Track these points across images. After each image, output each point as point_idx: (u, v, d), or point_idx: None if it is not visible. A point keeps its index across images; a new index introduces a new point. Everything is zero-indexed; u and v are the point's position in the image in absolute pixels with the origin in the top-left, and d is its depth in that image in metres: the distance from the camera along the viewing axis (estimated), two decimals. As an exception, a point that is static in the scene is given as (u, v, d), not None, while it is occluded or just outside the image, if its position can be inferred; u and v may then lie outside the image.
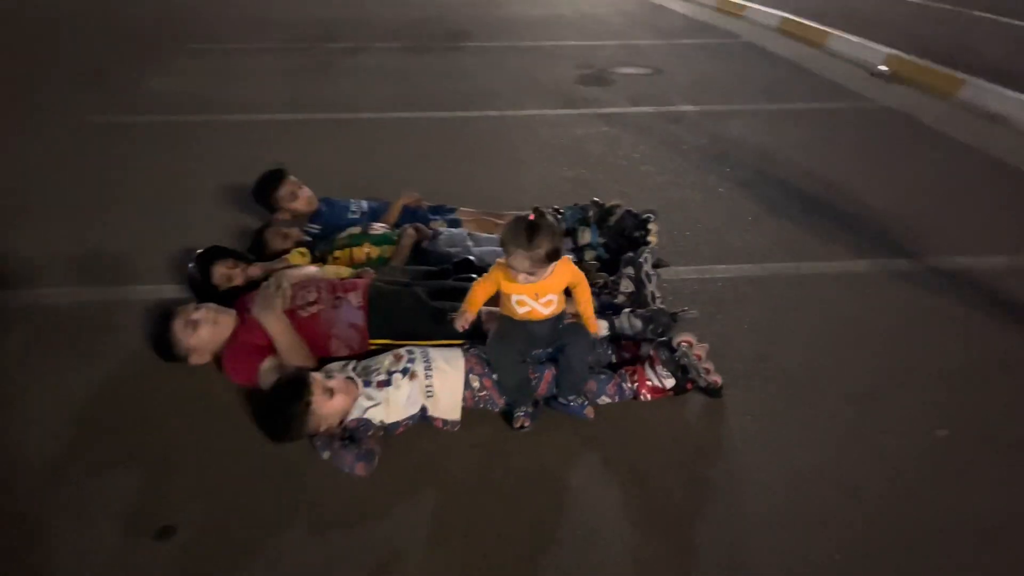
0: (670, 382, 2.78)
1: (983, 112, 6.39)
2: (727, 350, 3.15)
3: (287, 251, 3.54)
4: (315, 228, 3.94)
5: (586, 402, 2.72)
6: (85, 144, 5.68)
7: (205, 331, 2.90)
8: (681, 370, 2.77)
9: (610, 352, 2.95)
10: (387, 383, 2.64)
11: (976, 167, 5.34)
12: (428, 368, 2.70)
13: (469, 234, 3.83)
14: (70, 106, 6.52)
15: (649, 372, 2.80)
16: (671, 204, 4.61)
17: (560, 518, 2.38)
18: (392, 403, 2.62)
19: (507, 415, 2.75)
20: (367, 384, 2.65)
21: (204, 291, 3.25)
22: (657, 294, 3.27)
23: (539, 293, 2.61)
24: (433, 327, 2.94)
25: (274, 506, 2.42)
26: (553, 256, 2.48)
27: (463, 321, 2.60)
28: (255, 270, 3.30)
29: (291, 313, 2.92)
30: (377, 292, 3.03)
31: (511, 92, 7.08)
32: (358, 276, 3.23)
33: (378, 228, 3.73)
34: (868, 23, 9.41)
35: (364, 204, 4.15)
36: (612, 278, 3.35)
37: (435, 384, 2.68)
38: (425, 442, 2.67)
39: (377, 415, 2.60)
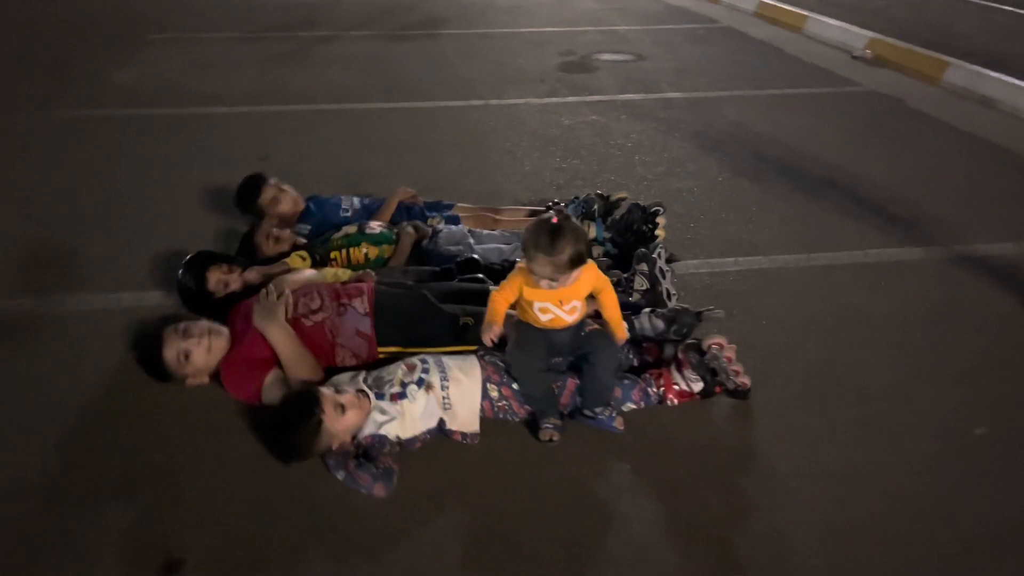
0: (698, 386, 2.66)
1: (971, 95, 6.36)
2: (744, 347, 2.99)
3: (281, 255, 3.35)
4: (305, 229, 3.76)
5: (614, 413, 2.58)
6: (51, 141, 5.39)
7: (199, 359, 2.72)
8: (710, 373, 2.65)
9: (631, 356, 2.81)
10: (402, 395, 2.49)
11: (971, 151, 5.29)
12: (444, 378, 2.55)
13: (469, 231, 3.68)
14: (33, 101, 6.19)
15: (676, 376, 2.67)
16: (671, 194, 4.49)
17: (595, 536, 2.25)
18: (408, 417, 2.47)
19: (529, 425, 2.62)
20: (380, 397, 2.49)
21: (197, 300, 3.07)
22: (672, 291, 3.16)
23: (563, 300, 2.47)
24: (444, 333, 2.79)
25: (289, 532, 2.25)
26: (577, 261, 2.34)
27: (492, 335, 2.46)
28: (252, 275, 3.11)
29: (295, 322, 2.74)
30: (383, 297, 2.86)
31: (494, 81, 6.90)
32: (358, 279, 3.06)
33: (375, 227, 3.55)
34: (843, 6, 9.35)
35: (356, 201, 3.97)
36: (625, 275, 3.22)
37: (452, 395, 2.53)
38: (443, 457, 2.52)
39: (392, 430, 2.45)
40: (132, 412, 2.74)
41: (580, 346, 2.58)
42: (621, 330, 2.55)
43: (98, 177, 4.78)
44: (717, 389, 2.68)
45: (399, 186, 4.03)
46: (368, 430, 2.43)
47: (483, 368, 2.62)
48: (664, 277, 3.17)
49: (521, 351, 2.52)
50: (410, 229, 3.52)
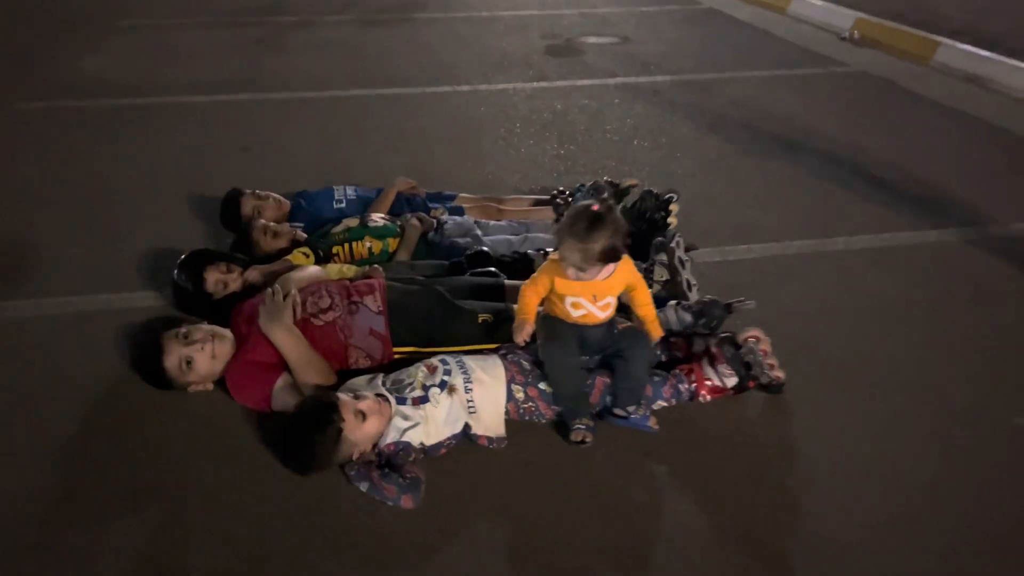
0: (732, 381, 2.54)
1: (963, 74, 6.30)
2: (769, 338, 2.92)
3: (282, 251, 3.17)
4: (298, 227, 3.55)
5: (648, 413, 2.45)
6: (17, 134, 5.12)
7: (203, 366, 2.54)
8: (744, 367, 2.53)
9: (659, 351, 2.68)
10: (424, 399, 2.33)
11: (968, 131, 5.23)
12: (467, 380, 2.40)
13: (475, 221, 3.52)
14: (-4, 92, 5.91)
15: (709, 370, 2.55)
16: (673, 180, 4.32)
17: (642, 545, 2.13)
18: (432, 422, 2.32)
19: (557, 426, 2.48)
20: (401, 401, 2.33)
21: (196, 302, 2.88)
22: (693, 282, 3.03)
23: (597, 295, 2.34)
24: (463, 331, 2.64)
25: (305, 550, 2.09)
26: (610, 255, 2.23)
27: (524, 335, 2.32)
28: (253, 274, 2.92)
29: (303, 323, 2.56)
30: (396, 294, 2.70)
31: (479, 65, 6.71)
32: (365, 275, 2.89)
33: (378, 219, 3.38)
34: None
35: (350, 191, 3.78)
36: (645, 266, 3.08)
37: (476, 398, 2.38)
38: (469, 463, 2.37)
39: (416, 437, 2.29)
40: (132, 422, 2.55)
41: (612, 343, 2.45)
42: (656, 328, 2.44)
43: (70, 171, 4.53)
44: (751, 384, 2.57)
45: (391, 177, 3.85)
46: (390, 437, 2.27)
47: (507, 368, 2.47)
48: (684, 267, 3.04)
49: (555, 346, 2.38)
50: (415, 221, 3.35)
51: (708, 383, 2.54)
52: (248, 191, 3.59)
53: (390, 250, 3.27)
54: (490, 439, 2.40)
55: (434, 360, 2.47)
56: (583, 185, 3.81)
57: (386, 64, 6.75)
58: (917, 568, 2.05)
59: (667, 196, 3.44)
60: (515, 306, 2.61)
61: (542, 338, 2.43)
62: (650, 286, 3.02)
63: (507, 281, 2.93)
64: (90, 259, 3.55)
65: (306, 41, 7.45)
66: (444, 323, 2.64)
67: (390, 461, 2.25)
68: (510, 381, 2.45)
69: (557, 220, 3.63)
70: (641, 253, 3.21)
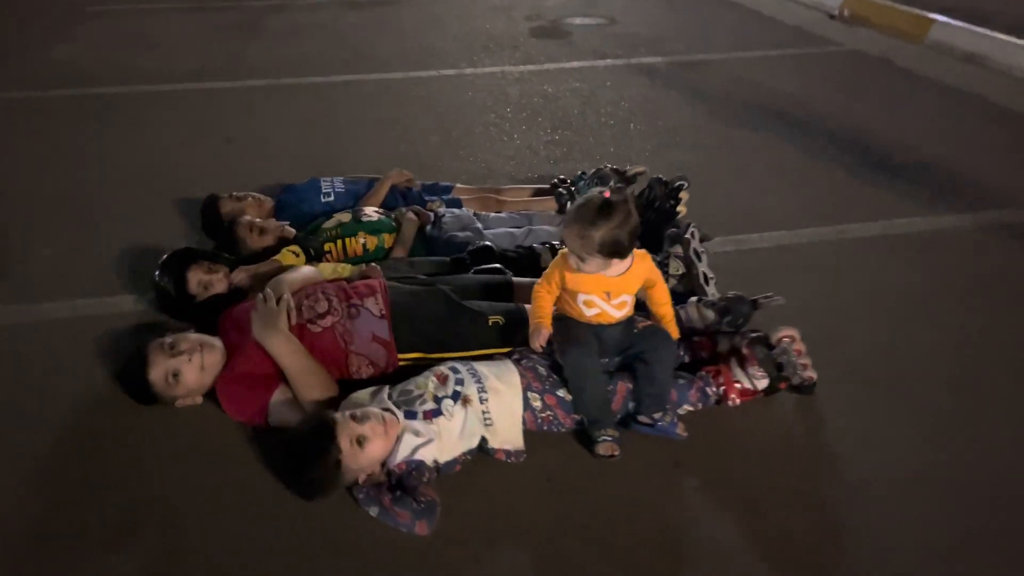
0: (763, 383, 2.37)
1: (959, 53, 6.16)
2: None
3: (270, 249, 2.95)
4: (286, 223, 3.33)
5: (675, 419, 2.28)
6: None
7: (191, 378, 2.34)
8: (776, 368, 2.36)
9: (682, 352, 2.51)
10: (437, 412, 2.15)
11: (969, 110, 5.10)
12: (482, 389, 2.21)
13: (474, 214, 3.33)
14: (-39, 83, 5.60)
15: (738, 372, 2.38)
16: (676, 167, 4.12)
17: (681, 568, 1.96)
18: (446, 437, 2.13)
19: (577, 436, 2.30)
20: (411, 416, 2.14)
21: (179, 305, 2.68)
22: (711, 275, 2.87)
23: (611, 293, 2.18)
24: (472, 335, 2.45)
25: (318, 582, 1.92)
26: (612, 249, 2.09)
27: (541, 339, 2.15)
28: (240, 275, 2.71)
29: (299, 329, 2.36)
30: (398, 295, 2.50)
31: (464, 48, 6.48)
32: (362, 275, 2.69)
33: (371, 213, 3.17)
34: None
35: (338, 183, 3.56)
36: (658, 259, 2.90)
37: (492, 408, 2.20)
38: (486, 480, 2.19)
39: (430, 454, 2.10)
40: (118, 441, 2.34)
41: (631, 344, 2.28)
42: (674, 329, 2.30)
43: (41, 166, 4.27)
44: (782, 385, 2.40)
45: (382, 167, 3.65)
46: (401, 456, 2.08)
47: (522, 375, 2.29)
48: (700, 259, 2.88)
49: (575, 349, 2.20)
50: (411, 215, 3.15)
51: (737, 385, 2.38)
52: (225, 194, 3.36)
53: (385, 246, 3.07)
54: (508, 452, 2.22)
55: (443, 368, 2.28)
56: (584, 173, 3.62)
57: (367, 48, 6.50)
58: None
59: (677, 183, 3.27)
60: (527, 307, 2.44)
61: (559, 341, 2.25)
62: (665, 280, 2.85)
63: (515, 279, 2.75)
64: (65, 262, 3.32)
65: (282, 26, 7.16)
66: (452, 326, 2.45)
67: (401, 482, 2.07)
68: (526, 388, 2.27)
69: (560, 210, 3.46)
70: (649, 244, 3.03)
